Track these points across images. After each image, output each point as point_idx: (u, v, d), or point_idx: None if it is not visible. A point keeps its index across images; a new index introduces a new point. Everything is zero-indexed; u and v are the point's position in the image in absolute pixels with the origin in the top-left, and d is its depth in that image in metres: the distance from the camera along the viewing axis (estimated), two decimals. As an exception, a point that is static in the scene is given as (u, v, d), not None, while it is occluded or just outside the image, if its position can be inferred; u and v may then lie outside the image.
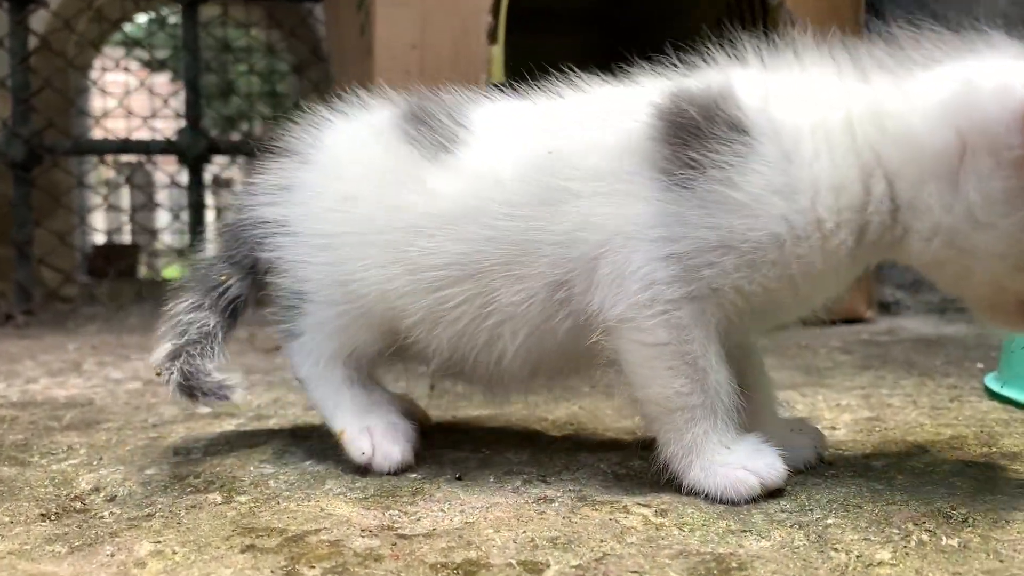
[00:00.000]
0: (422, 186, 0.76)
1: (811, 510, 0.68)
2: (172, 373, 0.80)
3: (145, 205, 4.28)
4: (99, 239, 4.96)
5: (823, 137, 0.67)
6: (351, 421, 0.81)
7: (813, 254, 0.67)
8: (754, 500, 0.68)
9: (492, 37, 1.86)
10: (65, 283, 2.90)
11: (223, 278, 0.85)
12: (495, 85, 1.11)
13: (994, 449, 0.84)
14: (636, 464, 0.80)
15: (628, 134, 0.69)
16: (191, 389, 0.80)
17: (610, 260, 0.68)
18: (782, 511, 0.68)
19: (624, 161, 0.69)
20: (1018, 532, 0.63)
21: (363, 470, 0.79)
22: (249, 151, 2.99)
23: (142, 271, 5.66)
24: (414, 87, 0.86)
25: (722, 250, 0.66)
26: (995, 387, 1.13)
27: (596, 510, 0.67)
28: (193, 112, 2.85)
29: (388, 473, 0.77)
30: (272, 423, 1.02)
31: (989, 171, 0.63)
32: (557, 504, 0.69)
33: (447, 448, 0.87)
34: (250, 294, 0.87)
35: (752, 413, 0.74)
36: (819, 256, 0.68)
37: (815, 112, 0.68)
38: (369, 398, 0.84)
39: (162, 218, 4.58)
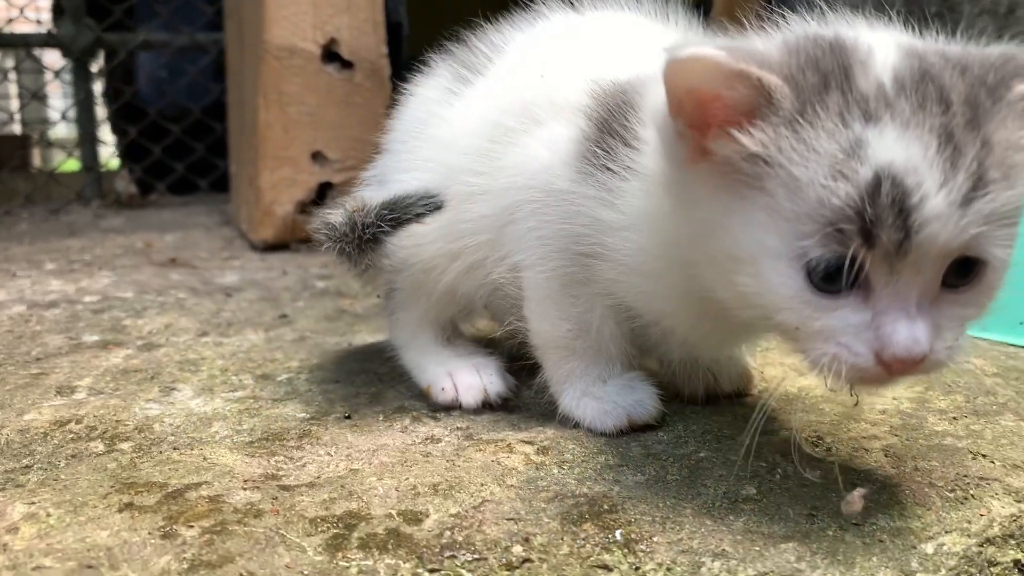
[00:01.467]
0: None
1: (686, 442, 0.71)
2: None
3: (36, 95, 4.02)
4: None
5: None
6: (434, 371, 0.81)
7: (627, 252, 0.64)
8: (624, 432, 0.71)
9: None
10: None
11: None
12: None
13: (864, 371, 0.88)
14: (526, 396, 0.82)
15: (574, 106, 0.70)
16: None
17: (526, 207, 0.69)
18: (659, 443, 0.71)
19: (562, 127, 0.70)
20: (875, 461, 0.67)
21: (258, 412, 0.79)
22: (140, 46, 2.82)
23: (36, 164, 5.38)
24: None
25: (594, 255, 0.67)
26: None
27: (480, 450, 0.68)
28: (74, 2, 2.66)
29: (476, 408, 0.78)
30: (162, 352, 1.00)
31: (672, 166, 0.57)
32: (443, 444, 0.70)
33: (340, 382, 0.87)
34: None
35: None
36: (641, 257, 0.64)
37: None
38: (454, 351, 0.84)
39: (56, 108, 4.31)
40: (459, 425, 0.74)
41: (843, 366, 0.51)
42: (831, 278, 0.50)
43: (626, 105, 0.64)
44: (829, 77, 0.50)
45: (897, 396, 0.80)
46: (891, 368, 0.51)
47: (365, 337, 1.06)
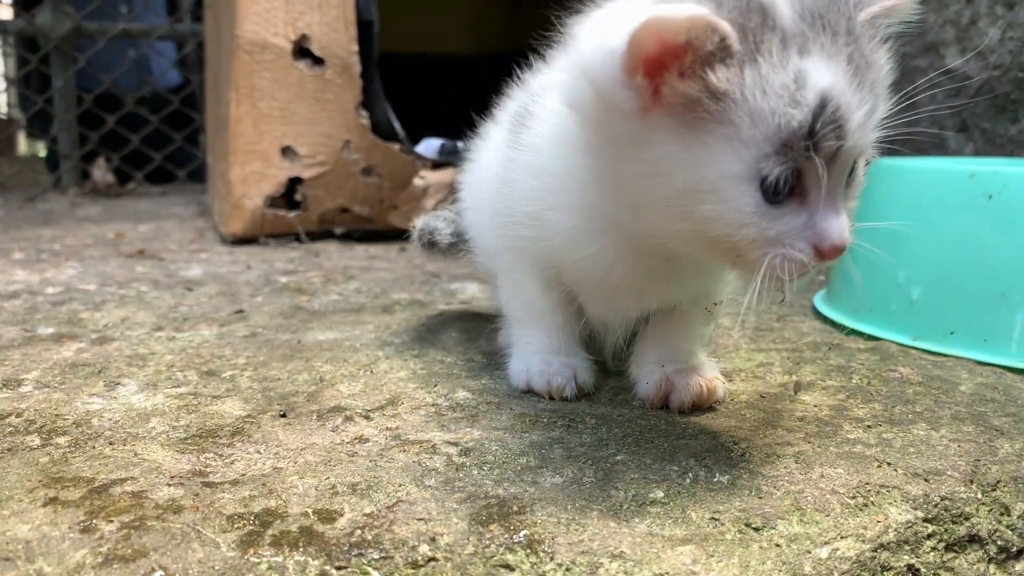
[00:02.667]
0: None
1: (607, 444, 0.73)
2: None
3: (11, 81, 4.01)
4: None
5: (557, 122, 0.71)
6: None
7: (541, 232, 0.74)
8: (566, 398, 0.83)
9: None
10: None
11: None
12: None
13: (793, 378, 0.90)
14: (460, 396, 0.84)
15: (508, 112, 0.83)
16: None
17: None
18: (581, 445, 0.73)
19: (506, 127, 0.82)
20: (784, 467, 0.69)
21: (193, 408, 0.80)
22: (119, 35, 2.82)
23: (21, 148, 5.38)
24: None
25: (511, 217, 0.77)
26: (821, 307, 1.21)
27: (405, 451, 0.70)
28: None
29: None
30: (113, 347, 1.02)
31: (615, 121, 0.60)
32: (371, 444, 0.72)
33: (282, 380, 0.89)
34: None
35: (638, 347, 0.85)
36: (547, 235, 0.74)
37: (549, 100, 0.73)
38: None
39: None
40: (389, 426, 0.76)
41: (790, 264, 0.60)
42: (777, 191, 0.58)
43: (529, 99, 0.77)
44: (763, 19, 0.58)
45: (818, 403, 0.82)
46: (826, 257, 0.60)
47: (316, 335, 1.07)
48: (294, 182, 1.85)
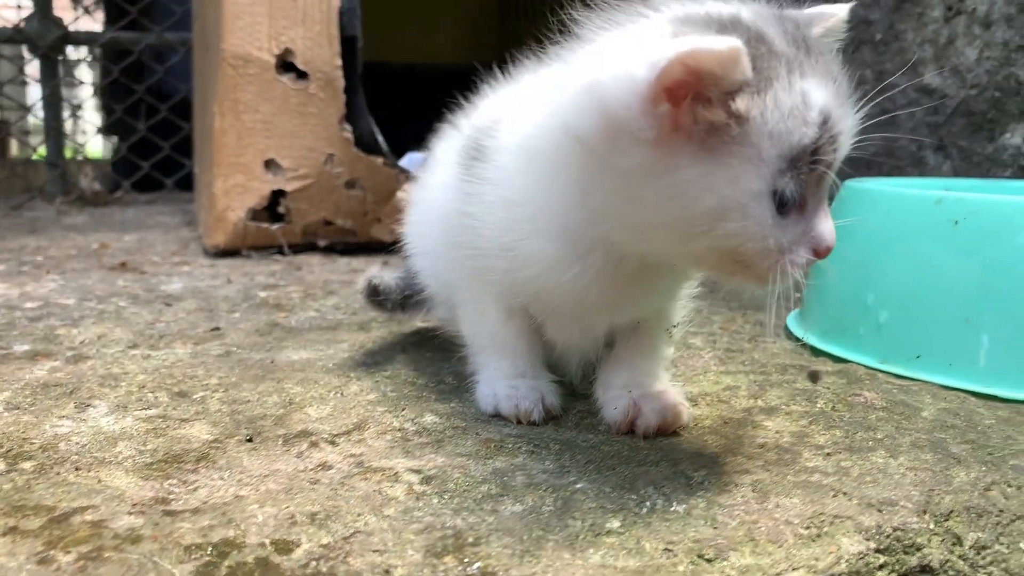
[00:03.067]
0: None
1: (569, 471, 0.74)
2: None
3: (13, 80, 4.02)
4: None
5: (517, 154, 0.74)
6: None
7: (514, 264, 0.75)
8: (533, 422, 0.84)
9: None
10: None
11: None
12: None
13: (758, 402, 0.91)
14: (428, 420, 0.85)
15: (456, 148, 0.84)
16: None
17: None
18: (544, 472, 0.74)
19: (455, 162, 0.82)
20: (741, 496, 0.70)
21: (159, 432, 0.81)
22: (109, 43, 2.83)
23: (13, 150, 5.37)
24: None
25: (469, 250, 0.79)
26: (795, 330, 1.22)
27: (367, 479, 0.71)
28: (42, -2, 2.67)
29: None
30: (87, 366, 1.02)
31: (631, 149, 0.62)
32: (334, 471, 0.73)
33: (251, 402, 0.90)
34: None
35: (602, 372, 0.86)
36: (522, 266, 0.75)
37: (516, 131, 0.74)
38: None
39: (34, 93, 4.31)
40: (354, 452, 0.77)
41: (795, 268, 0.65)
42: (786, 203, 0.63)
43: (479, 134, 0.79)
44: (767, 47, 0.62)
45: (780, 430, 0.83)
46: (821, 256, 0.65)
47: (290, 354, 1.08)
48: (277, 195, 1.86)
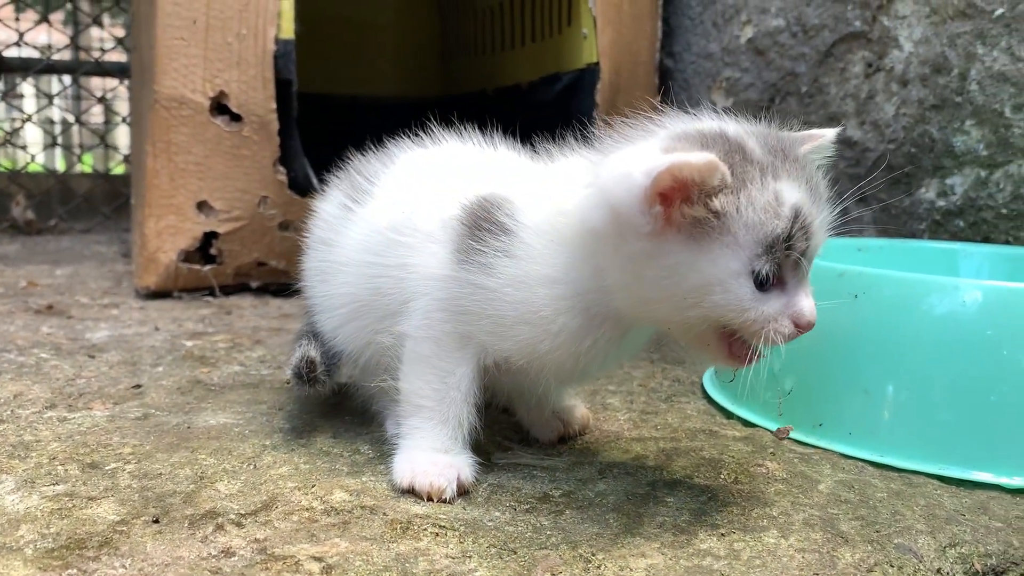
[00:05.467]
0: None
1: (470, 556, 0.75)
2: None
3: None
4: None
5: (544, 235, 0.83)
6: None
7: (541, 335, 0.84)
8: (443, 499, 0.86)
9: (282, -10, 1.80)
10: None
11: None
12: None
13: (664, 474, 0.94)
14: (337, 498, 0.86)
15: (449, 217, 0.88)
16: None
17: (419, 294, 0.88)
18: (446, 557, 0.75)
19: (441, 233, 0.88)
20: (634, 582, 0.72)
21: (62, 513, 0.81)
22: (43, 70, 2.79)
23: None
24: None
25: (477, 315, 0.85)
26: (709, 388, 1.25)
27: (267, 569, 0.72)
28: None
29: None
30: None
31: (633, 239, 0.76)
32: (235, 559, 0.73)
33: (163, 476, 0.90)
34: None
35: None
36: (548, 336, 0.84)
37: (540, 213, 0.84)
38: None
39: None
40: (259, 536, 0.78)
41: (778, 336, 0.77)
42: (764, 282, 0.75)
43: (490, 209, 0.86)
44: (743, 155, 0.75)
45: (680, 507, 0.86)
46: (803, 329, 0.78)
47: (208, 417, 1.08)
48: (210, 236, 1.85)
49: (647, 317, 0.83)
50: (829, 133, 0.84)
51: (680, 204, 0.73)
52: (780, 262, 0.75)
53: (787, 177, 0.75)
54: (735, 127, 0.79)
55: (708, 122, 0.80)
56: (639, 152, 0.75)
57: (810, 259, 0.78)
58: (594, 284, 0.81)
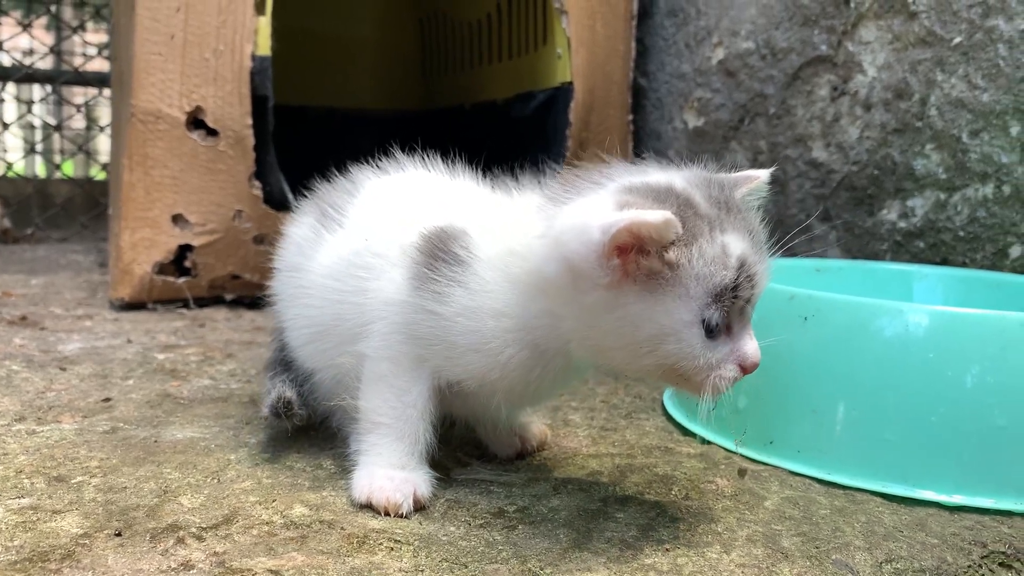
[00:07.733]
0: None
1: (422, 571, 0.78)
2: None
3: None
4: None
5: (496, 270, 0.86)
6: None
7: (491, 364, 0.87)
8: (400, 514, 0.89)
9: (259, 8, 1.83)
10: None
11: None
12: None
13: (616, 490, 0.97)
14: (297, 513, 0.88)
15: (408, 244, 0.91)
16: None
17: (378, 318, 0.91)
18: (399, 571, 0.77)
19: (399, 259, 0.91)
20: (579, 596, 0.75)
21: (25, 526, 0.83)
22: (23, 79, 2.80)
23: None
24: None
25: (430, 340, 0.88)
26: (668, 404, 1.29)
27: (224, 581, 0.74)
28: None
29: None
30: (-31, 445, 1.03)
31: (590, 290, 0.79)
32: (194, 572, 0.76)
33: (127, 489, 0.92)
34: None
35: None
36: (497, 366, 0.87)
37: (493, 248, 0.87)
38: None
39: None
40: (218, 549, 0.80)
41: (724, 382, 0.80)
42: (713, 329, 0.79)
43: (447, 239, 0.89)
44: (693, 210, 0.78)
45: (630, 522, 0.89)
46: (748, 371, 0.81)
47: (175, 431, 1.10)
48: (185, 249, 1.87)
49: (601, 362, 0.86)
50: (763, 174, 0.87)
51: (635, 256, 0.76)
52: (728, 309, 0.79)
53: (732, 229, 0.79)
54: (681, 180, 0.82)
55: (654, 174, 0.83)
56: (593, 206, 0.78)
57: (753, 305, 0.82)
58: (543, 322, 0.84)
